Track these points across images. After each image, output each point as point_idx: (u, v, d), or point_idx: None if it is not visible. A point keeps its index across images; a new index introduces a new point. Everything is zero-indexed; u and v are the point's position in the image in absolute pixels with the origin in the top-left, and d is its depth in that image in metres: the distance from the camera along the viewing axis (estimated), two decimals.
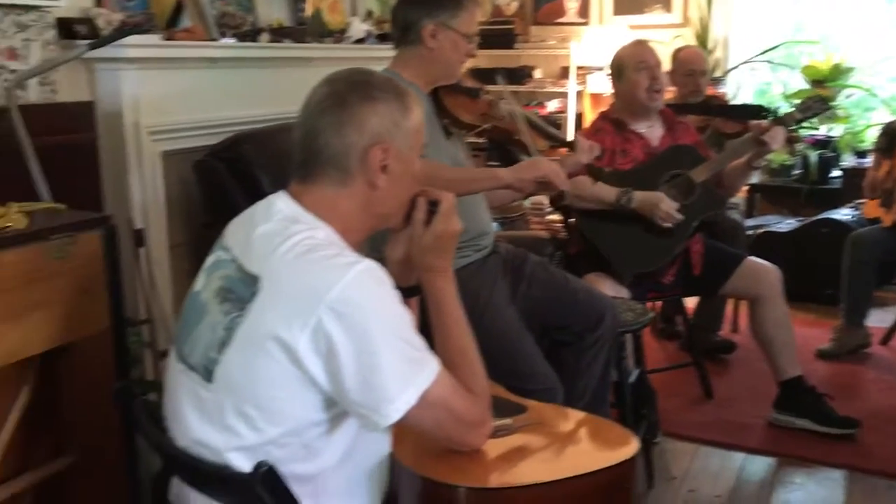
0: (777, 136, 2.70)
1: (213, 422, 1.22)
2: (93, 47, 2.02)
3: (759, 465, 2.68)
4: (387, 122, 1.28)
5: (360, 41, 3.29)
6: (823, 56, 5.07)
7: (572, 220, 2.91)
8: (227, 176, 2.56)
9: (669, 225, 2.68)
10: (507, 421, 1.50)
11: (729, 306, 3.69)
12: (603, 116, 2.98)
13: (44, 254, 1.52)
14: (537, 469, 1.42)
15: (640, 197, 2.67)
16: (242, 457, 1.20)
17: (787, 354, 2.85)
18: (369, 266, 1.19)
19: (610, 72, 2.95)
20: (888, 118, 4.87)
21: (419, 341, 1.22)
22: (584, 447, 1.56)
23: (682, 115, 3.12)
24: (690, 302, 3.40)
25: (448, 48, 2.06)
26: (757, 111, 2.98)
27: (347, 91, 1.28)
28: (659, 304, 3.67)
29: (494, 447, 1.40)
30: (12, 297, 1.47)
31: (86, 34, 2.33)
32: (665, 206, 2.67)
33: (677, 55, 3.72)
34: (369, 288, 1.18)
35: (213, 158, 2.59)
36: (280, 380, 1.17)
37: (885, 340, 3.64)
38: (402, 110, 1.30)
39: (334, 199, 1.28)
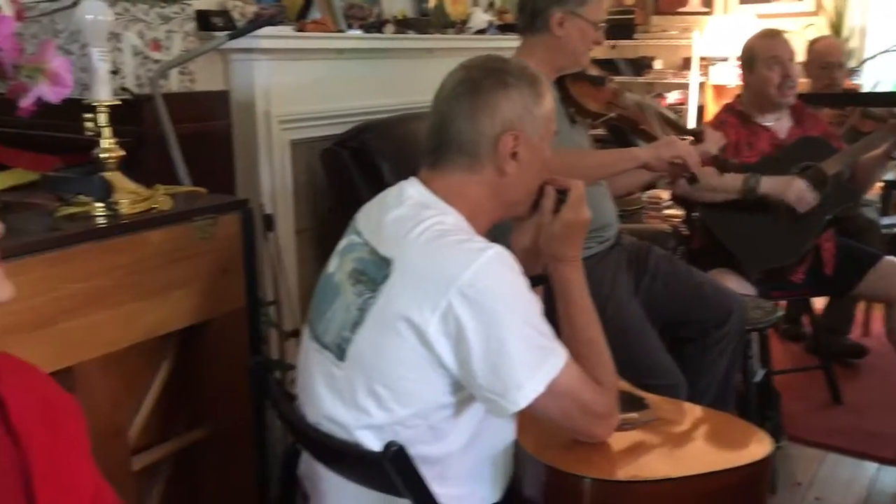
0: None
1: (345, 400, 1.25)
2: (231, 38, 2.10)
3: (893, 477, 2.53)
4: (519, 109, 1.27)
5: (481, 32, 3.29)
6: None
7: (695, 214, 2.82)
8: (351, 164, 2.62)
9: (803, 209, 2.55)
10: (633, 415, 1.47)
11: (860, 308, 3.51)
12: (727, 108, 2.88)
13: (188, 234, 1.60)
14: (663, 464, 1.39)
15: (768, 180, 2.55)
16: (371, 435, 1.23)
17: None
18: (500, 251, 1.19)
19: (739, 62, 2.85)
20: None
21: (548, 329, 1.21)
22: (713, 445, 1.51)
23: (815, 106, 2.96)
24: (818, 302, 3.24)
25: (575, 36, 2.04)
26: None
27: (482, 77, 1.28)
28: (784, 303, 3.52)
29: (619, 440, 1.38)
30: (158, 274, 1.55)
31: (222, 26, 2.42)
32: (797, 185, 2.54)
33: (812, 46, 3.54)
34: (500, 273, 1.18)
35: (338, 147, 2.65)
36: (409, 360, 1.19)
37: None
38: (535, 97, 1.29)
39: (463, 186, 1.29)
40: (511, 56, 2.12)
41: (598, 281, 2.03)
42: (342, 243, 1.38)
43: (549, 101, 1.32)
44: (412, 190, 1.31)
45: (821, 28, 4.89)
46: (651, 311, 2.10)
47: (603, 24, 2.08)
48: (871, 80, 4.77)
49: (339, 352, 1.26)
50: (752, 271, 2.63)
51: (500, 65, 1.31)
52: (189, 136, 2.11)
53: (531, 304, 1.20)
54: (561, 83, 2.14)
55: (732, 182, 2.56)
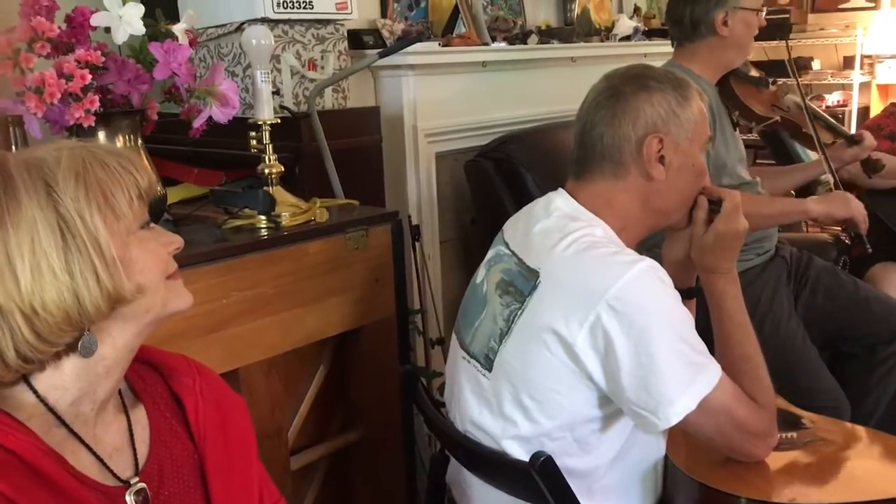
0: None
1: (492, 409, 1.27)
2: (382, 56, 2.18)
3: None
4: (662, 112, 1.25)
5: (626, 38, 3.25)
6: None
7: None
8: (494, 175, 2.65)
9: None
10: (791, 434, 1.41)
11: None
12: None
13: (342, 245, 1.67)
14: (823, 488, 1.32)
15: None
16: (518, 445, 1.24)
17: None
18: (651, 265, 1.17)
19: None
20: None
21: (701, 345, 1.18)
22: (878, 470, 1.42)
23: None
24: None
25: (741, 29, 2.01)
26: None
27: (623, 83, 1.27)
28: None
29: (776, 460, 1.32)
30: (315, 283, 1.63)
31: (372, 44, 2.52)
32: None
33: None
34: (650, 287, 1.16)
35: (482, 158, 2.69)
36: (556, 372, 1.19)
37: None
38: (680, 100, 1.26)
39: (610, 194, 1.28)
40: (669, 61, 2.09)
41: (756, 295, 1.96)
42: (490, 254, 1.41)
43: (697, 104, 1.28)
44: (560, 201, 1.32)
45: None
46: (812, 327, 2.00)
47: (763, 6, 2.04)
48: None
49: (487, 362, 1.28)
50: None
51: (642, 70, 1.30)
52: (342, 151, 2.20)
53: (683, 318, 1.18)
54: (724, 85, 2.08)
55: None
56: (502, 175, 2.65)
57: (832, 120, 2.24)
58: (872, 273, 2.51)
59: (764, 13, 2.04)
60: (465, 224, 2.85)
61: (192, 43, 1.58)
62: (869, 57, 4.85)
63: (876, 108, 4.84)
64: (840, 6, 5.11)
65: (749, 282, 1.98)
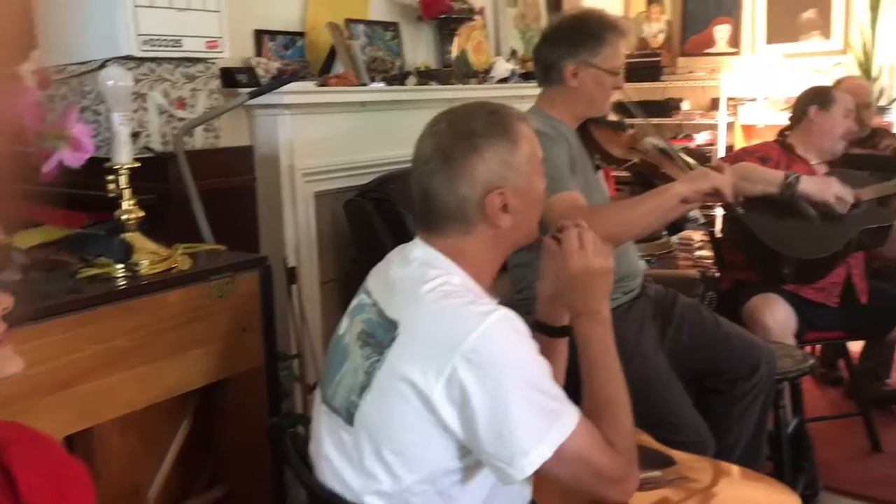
0: None
1: (354, 464, 1.24)
2: (254, 95, 2.13)
3: None
4: (496, 166, 1.26)
5: (503, 80, 3.31)
6: None
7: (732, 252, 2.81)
8: (375, 215, 2.63)
9: (842, 208, 2.56)
10: (656, 473, 1.44)
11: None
12: (774, 140, 2.95)
13: (205, 293, 1.61)
14: None
15: (808, 180, 2.56)
16: (380, 501, 1.21)
17: None
18: (505, 315, 1.17)
19: (810, 96, 2.88)
20: None
21: (557, 391, 1.18)
22: None
23: (855, 167, 2.94)
24: (854, 346, 3.16)
25: (591, 86, 2.02)
26: None
27: (451, 146, 1.27)
28: (819, 347, 3.45)
29: (643, 500, 1.34)
30: (176, 334, 1.56)
31: (246, 82, 2.47)
32: (836, 185, 2.57)
33: (838, 85, 3.50)
34: (505, 337, 1.16)
35: (362, 198, 2.67)
36: (415, 425, 1.17)
37: None
38: (510, 147, 1.27)
39: (462, 246, 1.29)
40: (533, 105, 2.13)
41: (624, 333, 1.98)
42: (353, 303, 1.38)
43: (526, 139, 1.28)
44: (418, 250, 1.31)
45: (849, 67, 4.84)
46: (677, 363, 2.05)
47: (622, 70, 2.06)
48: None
49: (348, 416, 1.24)
50: (787, 264, 2.61)
51: (467, 126, 1.28)
52: (214, 193, 2.14)
53: (538, 367, 1.18)
54: (584, 130, 2.13)
55: (774, 176, 2.56)
56: (382, 215, 2.63)
57: (691, 160, 2.33)
58: (752, 304, 2.63)
59: (622, 77, 2.05)
60: (346, 264, 2.82)
61: (42, 84, 1.50)
62: (733, 99, 5.13)
63: (741, 147, 5.12)
64: (706, 51, 5.40)
65: (617, 320, 1.99)
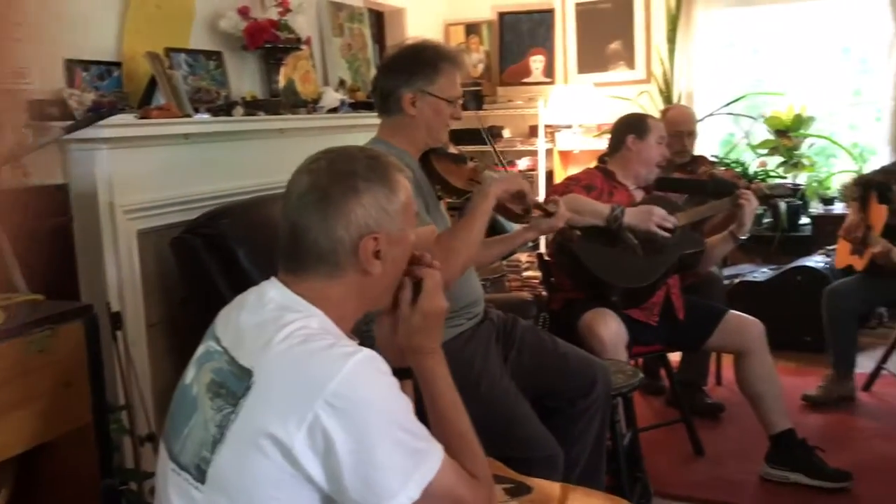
0: (751, 198, 2.87)
1: None
2: (69, 131, 1.99)
3: None
4: (373, 212, 1.24)
5: (333, 110, 3.30)
6: (785, 107, 5.19)
7: (553, 278, 2.92)
8: (204, 251, 2.52)
9: (664, 233, 2.76)
10: (513, 502, 1.46)
11: (712, 358, 3.70)
12: (595, 166, 3.10)
13: (23, 349, 1.47)
14: None
15: (632, 211, 2.75)
16: None
17: (776, 408, 2.85)
18: (368, 356, 1.15)
19: (627, 124, 3.03)
20: (849, 165, 5.00)
21: (421, 430, 1.17)
22: None
23: (666, 190, 3.15)
24: (674, 357, 3.39)
25: (430, 114, 2.05)
26: (731, 186, 3.05)
27: (330, 184, 1.24)
28: (641, 360, 3.66)
29: None
30: None
31: (58, 116, 2.30)
32: (658, 211, 2.77)
33: (665, 115, 3.74)
34: (368, 379, 1.13)
35: (189, 234, 2.55)
36: (275, 479, 1.11)
37: (867, 386, 3.65)
38: (389, 194, 1.26)
39: (325, 289, 1.24)
40: (374, 136, 2.13)
41: (470, 357, 2.04)
42: (200, 350, 1.30)
43: (403, 189, 1.29)
44: (273, 292, 1.25)
45: (652, 95, 5.23)
46: (520, 385, 2.10)
47: (459, 99, 2.10)
48: (700, 140, 5.12)
49: (199, 473, 1.17)
50: (615, 293, 2.77)
51: (348, 166, 1.26)
52: (25, 237, 1.96)
53: (402, 406, 1.17)
54: (426, 160, 2.15)
55: (602, 208, 2.73)
56: (213, 251, 2.53)
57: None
58: (586, 319, 2.74)
59: (459, 106, 2.09)
60: (174, 305, 2.68)
61: None
62: (550, 126, 5.39)
63: (559, 172, 5.37)
64: (523, 80, 5.64)
65: (463, 344, 2.06)
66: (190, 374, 1.28)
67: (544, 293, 3.15)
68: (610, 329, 2.70)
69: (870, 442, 3.14)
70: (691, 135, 3.60)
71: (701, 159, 3.64)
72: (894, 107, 4.78)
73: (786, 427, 2.84)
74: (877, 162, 4.69)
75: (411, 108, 2.04)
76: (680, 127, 3.55)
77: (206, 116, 2.74)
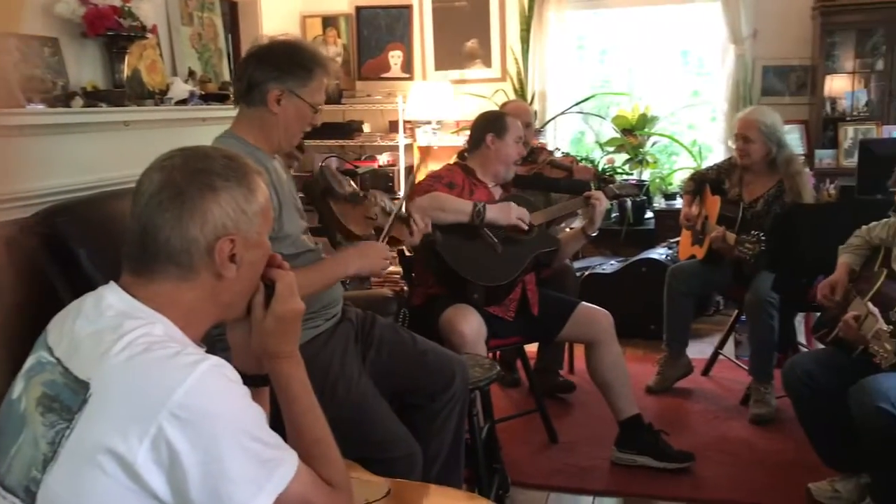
0: (601, 199, 3.01)
1: None
2: None
3: None
4: (231, 212, 1.18)
5: (182, 102, 3.15)
6: (630, 107, 5.44)
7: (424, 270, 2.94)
8: (40, 252, 2.34)
9: (524, 226, 2.87)
10: None
11: (565, 349, 3.83)
12: (455, 163, 3.12)
13: None
14: None
15: (492, 208, 2.85)
16: None
17: (624, 395, 2.98)
18: (214, 364, 1.09)
19: (486, 122, 3.07)
20: (690, 162, 5.31)
21: (274, 439, 1.13)
22: None
23: (523, 188, 3.25)
24: (530, 348, 3.48)
25: (292, 116, 2.00)
26: (584, 185, 3.22)
27: (185, 182, 1.17)
28: (499, 352, 3.74)
29: None
30: None
31: None
32: (515, 209, 2.89)
33: (504, 109, 3.83)
34: (215, 389, 1.07)
35: (23, 234, 2.36)
36: (115, 497, 1.03)
37: (706, 371, 3.88)
38: (247, 195, 1.21)
39: (175, 293, 1.17)
40: (227, 130, 2.04)
41: (327, 359, 2.01)
42: (29, 362, 1.20)
43: (262, 192, 1.24)
44: (113, 297, 1.17)
45: (508, 93, 5.35)
46: (379, 383, 2.09)
47: (320, 108, 2.06)
48: (552, 137, 5.30)
49: (28, 495, 1.08)
50: (478, 290, 2.82)
51: (204, 164, 1.20)
52: None
53: (253, 414, 1.12)
54: (324, 207, 2.15)
55: (465, 205, 2.80)
56: (50, 252, 2.35)
57: (403, 210, 2.42)
58: (447, 315, 2.76)
59: (319, 114, 2.06)
60: (6, 309, 2.47)
61: None
62: (410, 122, 5.40)
63: (420, 168, 5.39)
64: (382, 75, 5.63)
65: (321, 346, 2.02)
66: (17, 387, 1.18)
67: (406, 289, 3.16)
68: (471, 325, 2.74)
69: (710, 423, 3.35)
70: (529, 126, 3.72)
71: (539, 150, 3.80)
72: (727, 108, 5.11)
73: (633, 413, 2.97)
74: (712, 159, 5.01)
75: (275, 106, 1.98)
76: (518, 118, 3.65)
77: (40, 107, 2.55)
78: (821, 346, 2.77)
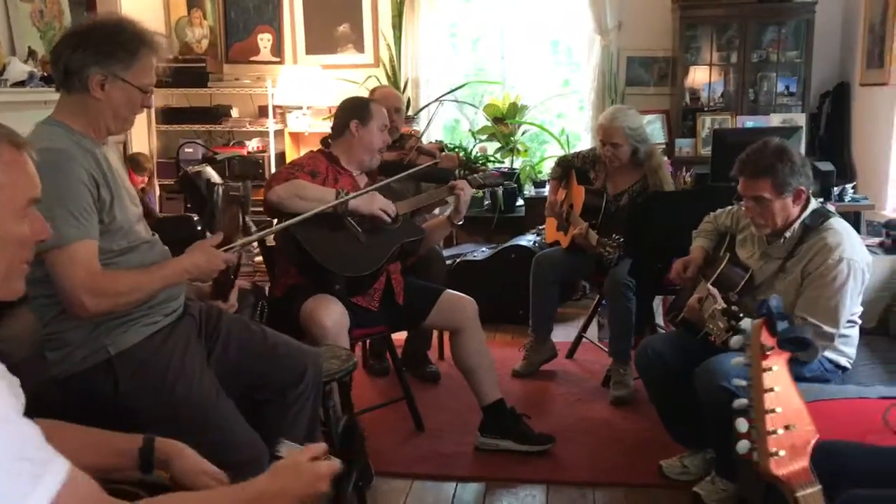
0: (466, 188, 3.00)
1: None
2: None
3: (470, 492, 2.76)
4: None
5: (20, 84, 2.93)
6: (502, 95, 5.49)
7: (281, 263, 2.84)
8: None
9: (388, 217, 2.80)
10: None
11: (434, 336, 3.83)
12: (318, 150, 3.04)
13: None
14: None
15: (355, 195, 2.74)
16: None
17: (488, 381, 2.99)
18: None
19: (350, 109, 2.99)
20: (559, 151, 5.41)
21: (41, 453, 1.02)
22: None
23: (386, 175, 3.18)
24: (398, 337, 3.45)
25: (119, 100, 1.87)
26: (447, 175, 3.22)
27: None
28: (368, 341, 3.71)
29: None
30: None
31: None
32: (379, 198, 2.81)
33: (373, 94, 3.79)
34: None
35: None
36: None
37: (570, 354, 3.96)
38: None
39: None
40: (50, 115, 1.89)
41: (167, 357, 1.90)
42: None
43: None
44: None
45: (381, 79, 5.29)
46: (227, 380, 2.00)
47: (151, 88, 1.94)
48: (425, 124, 5.27)
49: None
50: (339, 280, 2.74)
51: None
52: None
53: (15, 434, 0.99)
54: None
55: (327, 193, 2.70)
56: None
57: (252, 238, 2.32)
58: (308, 307, 2.68)
59: (151, 94, 1.94)
60: None
61: None
62: (280, 107, 5.26)
63: (291, 154, 5.27)
64: (251, 58, 5.45)
65: (159, 344, 1.91)
66: None
67: (266, 282, 3.06)
68: (332, 316, 2.67)
69: (572, 406, 3.41)
70: (398, 112, 3.69)
71: (407, 136, 3.77)
72: (594, 97, 5.23)
73: (496, 398, 2.99)
74: (580, 147, 5.12)
75: (99, 91, 1.84)
76: (387, 104, 3.60)
77: None
78: (673, 328, 2.87)
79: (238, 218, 2.10)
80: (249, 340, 2.11)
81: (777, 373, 0.93)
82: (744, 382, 0.94)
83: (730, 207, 2.75)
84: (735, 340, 0.95)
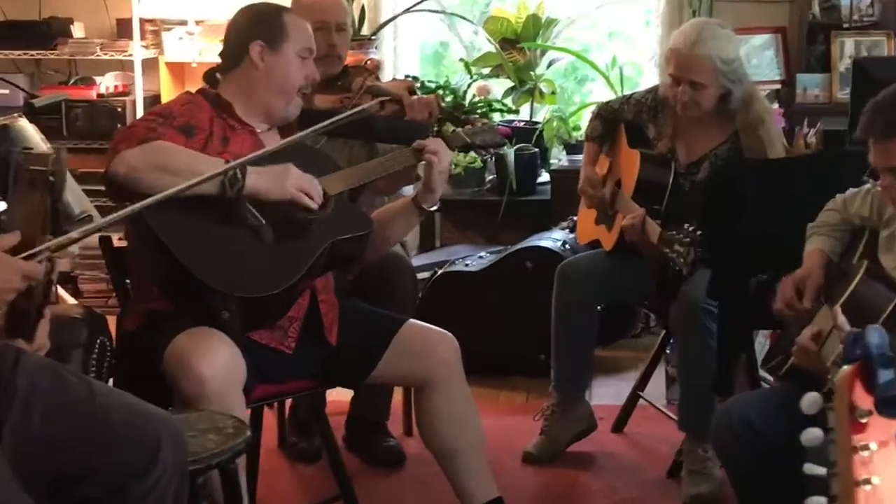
0: (440, 150, 2.95)
1: None
2: None
3: None
4: None
5: None
6: (515, 3, 5.47)
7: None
8: None
9: (310, 202, 2.74)
10: None
11: (399, 399, 3.81)
12: (199, 91, 3.05)
13: None
14: None
15: (257, 174, 2.68)
16: None
17: (474, 467, 2.99)
18: None
19: (251, 24, 2.96)
20: (608, 95, 5.38)
21: None
22: None
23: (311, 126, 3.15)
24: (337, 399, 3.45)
25: None
26: (415, 129, 3.20)
27: None
28: (289, 406, 3.69)
29: None
30: None
31: None
32: (294, 175, 2.74)
33: (299, 2, 3.73)
34: None
35: None
36: None
37: (618, 426, 3.95)
38: None
39: None
40: None
41: None
42: None
43: None
44: None
45: None
46: (25, 463, 1.99)
47: None
48: (390, 51, 5.28)
49: None
50: (227, 305, 2.70)
51: None
52: None
53: None
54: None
55: (208, 164, 2.65)
56: None
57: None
58: (177, 347, 2.63)
59: None
60: None
61: None
62: (152, 22, 5.27)
63: (168, 96, 5.26)
64: None
65: None
66: None
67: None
68: (215, 363, 2.63)
69: None
70: (341, 31, 3.69)
71: (355, 70, 3.76)
72: (665, 7, 5.20)
73: (492, 496, 2.98)
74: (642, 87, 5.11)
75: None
76: (322, 17, 3.58)
77: None
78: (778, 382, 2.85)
79: (45, 207, 2.08)
80: (64, 401, 2.10)
81: (879, 455, 0.90)
82: (822, 471, 0.91)
83: (867, 187, 2.73)
84: (807, 401, 0.91)
